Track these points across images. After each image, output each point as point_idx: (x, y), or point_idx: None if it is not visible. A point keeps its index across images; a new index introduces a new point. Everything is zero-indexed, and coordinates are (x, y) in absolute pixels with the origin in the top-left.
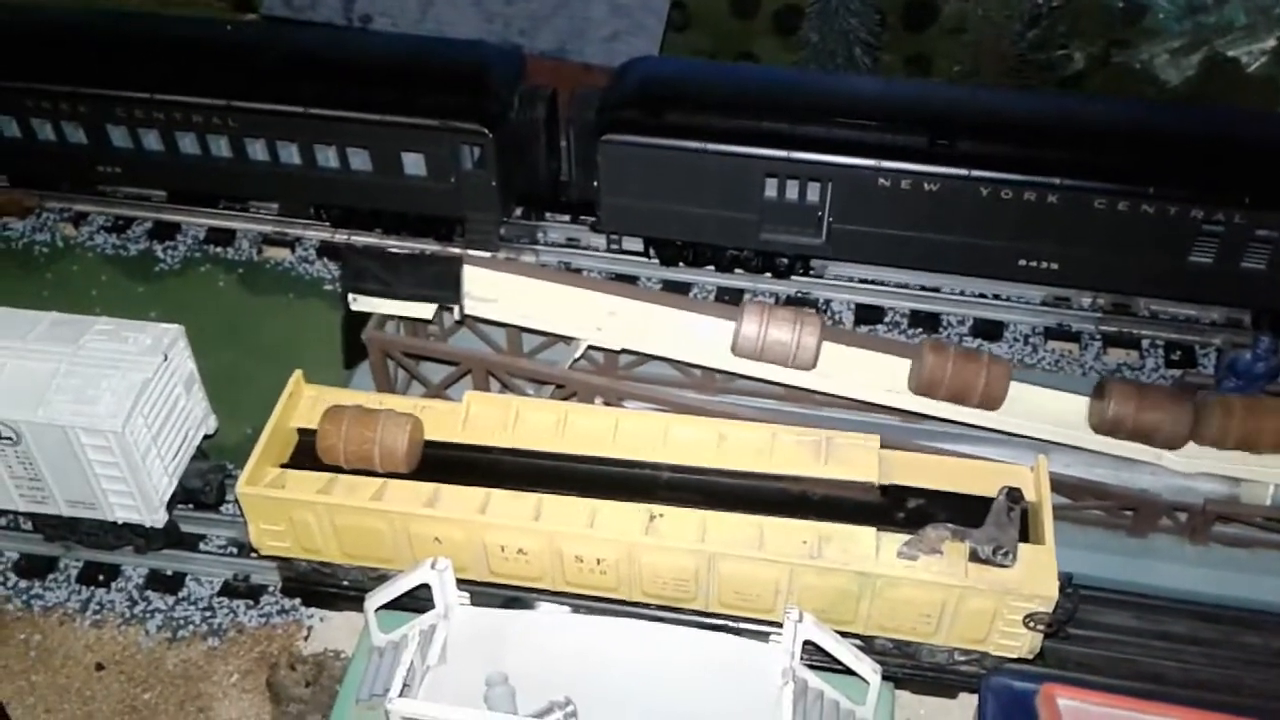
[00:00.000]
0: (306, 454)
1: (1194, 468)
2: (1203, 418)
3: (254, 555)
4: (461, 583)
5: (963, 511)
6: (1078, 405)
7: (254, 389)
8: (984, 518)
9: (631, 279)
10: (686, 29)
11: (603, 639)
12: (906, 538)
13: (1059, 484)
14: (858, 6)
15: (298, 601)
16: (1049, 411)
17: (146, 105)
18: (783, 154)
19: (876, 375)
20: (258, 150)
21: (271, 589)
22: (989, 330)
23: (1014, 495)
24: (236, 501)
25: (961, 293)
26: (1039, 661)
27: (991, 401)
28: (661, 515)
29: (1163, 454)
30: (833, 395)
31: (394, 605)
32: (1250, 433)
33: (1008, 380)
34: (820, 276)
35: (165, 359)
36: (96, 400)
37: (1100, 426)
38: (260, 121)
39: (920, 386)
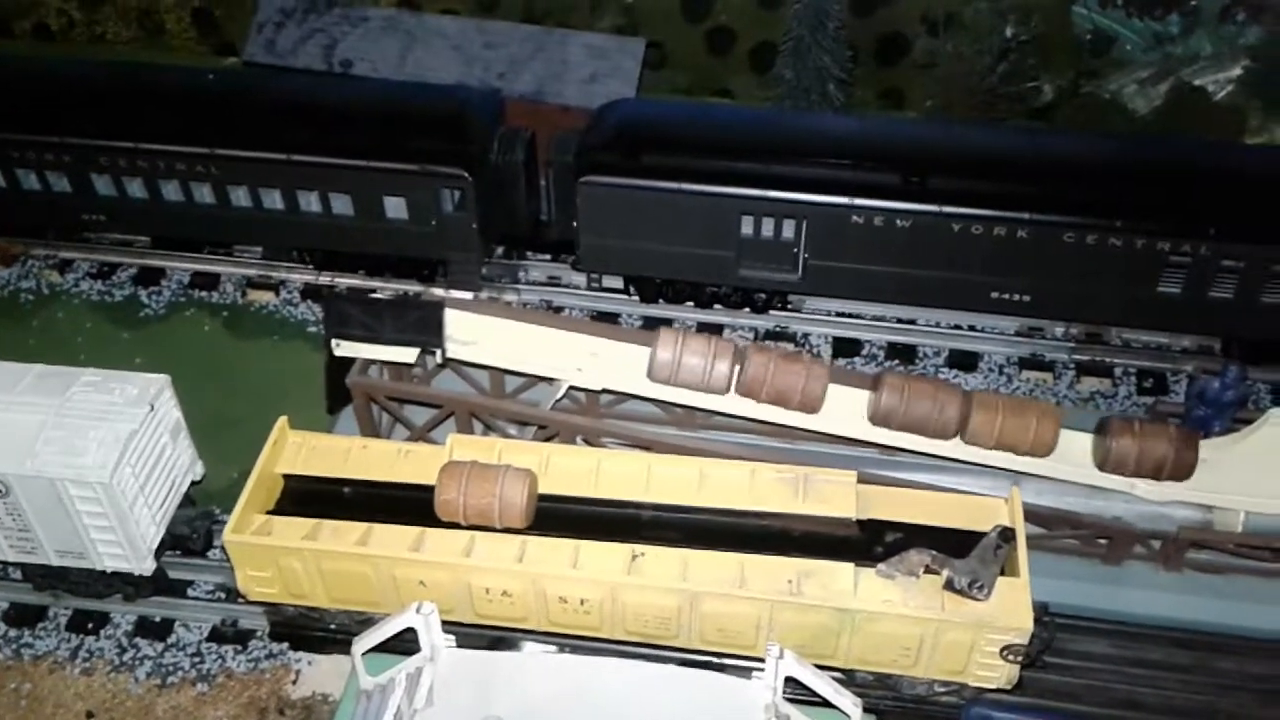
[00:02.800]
0: (292, 500)
1: (1167, 496)
2: (969, 415)
3: (241, 600)
4: (447, 624)
5: (940, 544)
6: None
7: (240, 432)
8: (959, 550)
9: (612, 317)
10: (663, 67)
11: (588, 678)
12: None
13: (1034, 514)
14: (830, 44)
15: (286, 646)
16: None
17: (130, 154)
18: (758, 193)
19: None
20: (240, 196)
21: (259, 634)
22: (964, 361)
23: (1005, 535)
24: (223, 549)
25: (937, 324)
26: (1017, 691)
27: (811, 404)
28: (643, 554)
29: (1135, 483)
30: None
31: (381, 647)
32: (1009, 432)
33: (825, 382)
34: (798, 311)
35: (151, 409)
36: (84, 452)
37: (874, 418)
38: (243, 168)
39: (743, 388)
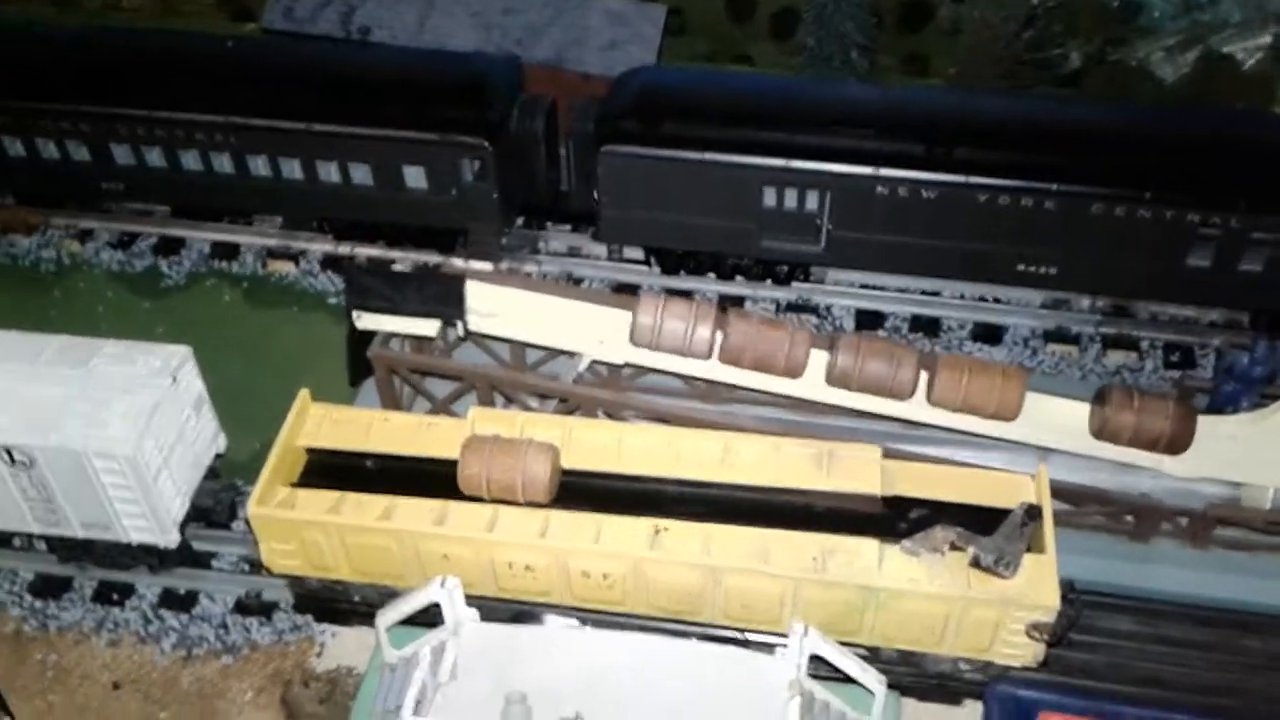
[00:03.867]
0: (315, 472)
1: (1194, 472)
2: (934, 376)
3: (265, 573)
4: (470, 597)
5: (965, 521)
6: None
7: (262, 403)
8: (984, 527)
9: (633, 288)
10: (683, 33)
11: (611, 653)
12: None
13: (1061, 490)
14: (853, 10)
15: (310, 618)
16: (818, 373)
17: (148, 123)
18: (781, 163)
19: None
20: (259, 165)
21: (283, 605)
22: (989, 334)
23: (1031, 512)
24: (247, 522)
25: (961, 296)
26: (1043, 668)
27: (795, 369)
28: (667, 529)
29: (1163, 459)
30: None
31: (406, 620)
32: (974, 395)
33: (808, 347)
34: (820, 282)
35: (174, 381)
36: (108, 424)
37: (831, 379)
38: (261, 137)
39: (727, 355)
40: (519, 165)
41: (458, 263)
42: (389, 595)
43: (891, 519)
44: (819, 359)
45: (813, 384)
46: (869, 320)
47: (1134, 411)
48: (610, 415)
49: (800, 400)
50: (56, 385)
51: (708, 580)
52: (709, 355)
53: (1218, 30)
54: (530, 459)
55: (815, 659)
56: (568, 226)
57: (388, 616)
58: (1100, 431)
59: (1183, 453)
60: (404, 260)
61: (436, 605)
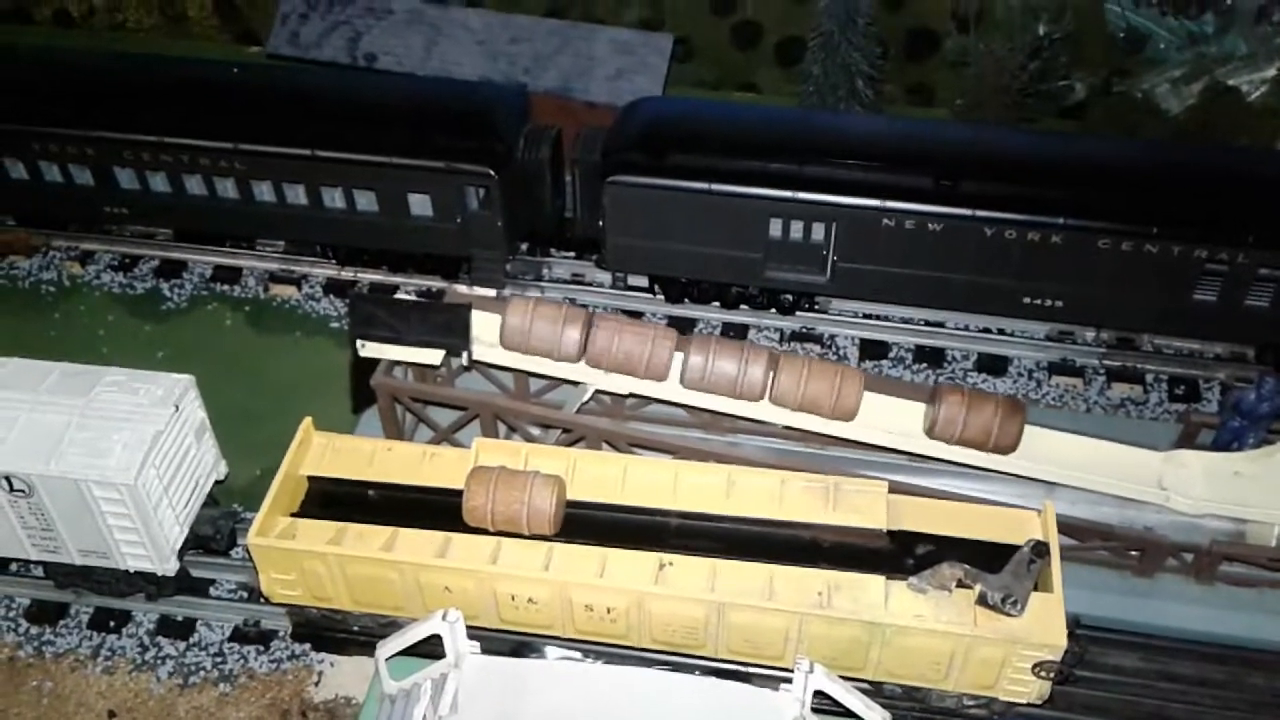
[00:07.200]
0: (316, 502)
1: (1200, 508)
2: (776, 375)
3: (264, 601)
4: (471, 629)
5: (971, 557)
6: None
7: (263, 429)
8: (990, 562)
9: (637, 316)
10: (689, 61)
11: (614, 688)
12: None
13: (1065, 525)
14: (859, 39)
15: (308, 646)
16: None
17: (153, 148)
18: (787, 194)
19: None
20: (264, 191)
21: (282, 634)
22: (993, 365)
23: (1039, 550)
24: (247, 550)
25: (966, 327)
26: (1048, 705)
27: (658, 372)
28: (671, 564)
29: (1169, 495)
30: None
31: (405, 650)
32: (810, 395)
33: (671, 349)
34: (825, 312)
35: (176, 410)
36: (108, 453)
37: (686, 382)
38: (266, 164)
39: (592, 358)
40: (524, 194)
41: (461, 289)
42: (389, 625)
43: (897, 554)
44: (679, 361)
45: (674, 387)
46: (873, 350)
47: (962, 408)
48: (614, 445)
49: (804, 431)
50: (58, 413)
51: (712, 615)
52: (578, 359)
53: (1223, 63)
54: (535, 491)
55: (819, 694)
56: (572, 254)
57: (387, 647)
58: (931, 429)
59: (1010, 453)
60: (407, 286)
61: (437, 636)
